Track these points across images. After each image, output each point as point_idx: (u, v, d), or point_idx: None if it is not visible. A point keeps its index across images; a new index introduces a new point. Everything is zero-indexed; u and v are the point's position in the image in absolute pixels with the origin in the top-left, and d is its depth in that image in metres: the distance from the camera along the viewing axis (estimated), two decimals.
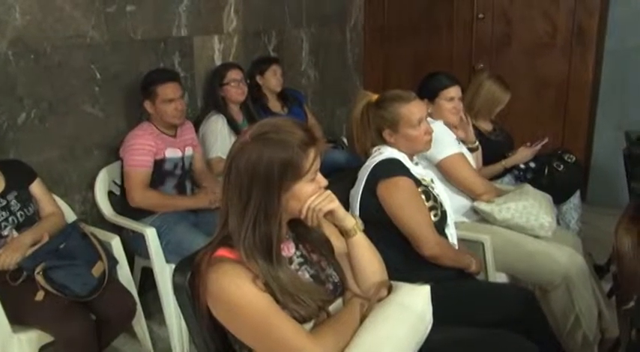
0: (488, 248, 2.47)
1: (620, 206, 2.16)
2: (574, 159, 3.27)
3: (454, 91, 2.79)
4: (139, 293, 2.65)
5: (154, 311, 2.91)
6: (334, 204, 1.52)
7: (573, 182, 3.25)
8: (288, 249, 1.57)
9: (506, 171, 3.22)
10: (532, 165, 3.22)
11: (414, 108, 2.18)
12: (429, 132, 2.23)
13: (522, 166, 3.23)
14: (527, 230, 2.57)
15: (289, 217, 1.52)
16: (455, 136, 2.77)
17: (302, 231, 1.59)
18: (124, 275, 2.56)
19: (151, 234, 2.62)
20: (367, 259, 1.61)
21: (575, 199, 3.26)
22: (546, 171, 3.17)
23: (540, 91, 4.46)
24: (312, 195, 1.48)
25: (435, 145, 2.37)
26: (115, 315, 2.33)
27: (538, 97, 4.47)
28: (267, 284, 1.42)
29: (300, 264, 1.57)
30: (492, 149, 3.15)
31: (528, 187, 2.74)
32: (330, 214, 1.54)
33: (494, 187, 2.76)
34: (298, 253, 1.59)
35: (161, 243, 2.66)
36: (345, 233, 1.60)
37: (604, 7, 4.25)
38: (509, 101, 3.25)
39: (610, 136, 4.24)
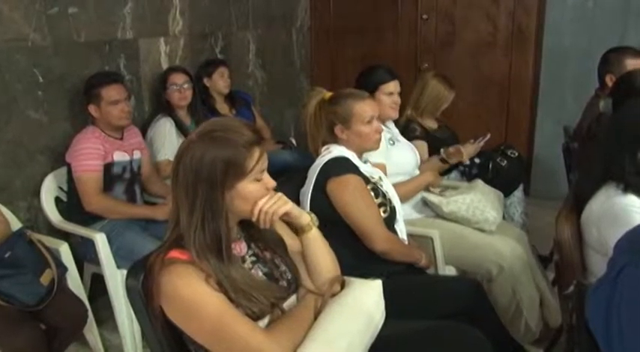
0: (437, 242, 2.55)
1: (562, 198, 2.25)
2: (516, 154, 3.39)
3: (393, 86, 2.80)
4: (90, 300, 2.61)
5: (105, 317, 2.86)
6: (288, 205, 1.54)
7: (516, 176, 3.35)
8: (241, 249, 1.58)
9: (452, 167, 3.30)
10: (477, 160, 3.31)
11: (367, 106, 2.23)
12: (378, 131, 2.28)
13: (467, 162, 3.31)
14: (473, 223, 2.65)
15: (238, 217, 1.53)
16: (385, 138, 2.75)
17: (254, 230, 1.61)
18: (74, 282, 2.52)
19: (100, 240, 2.59)
20: (321, 255, 1.63)
21: (518, 193, 3.37)
22: (490, 166, 3.26)
23: (483, 89, 4.60)
24: (257, 195, 1.48)
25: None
26: (66, 324, 2.29)
27: (481, 95, 4.60)
28: (220, 283, 1.43)
29: (253, 263, 1.58)
30: (437, 146, 3.21)
31: (479, 182, 2.84)
32: (285, 215, 1.56)
33: (410, 195, 2.78)
34: (251, 252, 1.60)
35: (111, 249, 2.62)
36: (300, 230, 1.62)
37: (541, 8, 4.41)
38: (453, 99, 3.33)
39: (550, 131, 4.39)
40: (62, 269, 2.39)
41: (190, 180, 1.43)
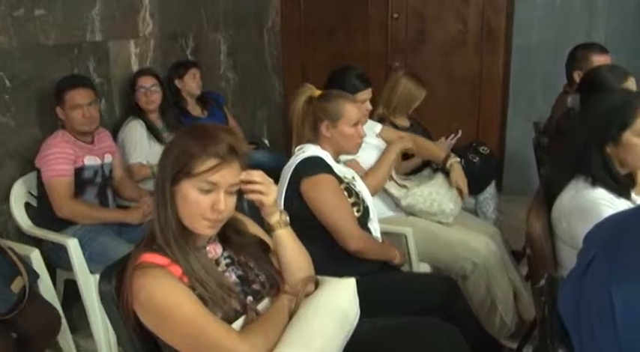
0: (410, 240, 2.57)
1: (534, 193, 2.27)
2: (488, 151, 3.42)
3: (367, 94, 2.78)
4: (63, 307, 2.57)
5: (79, 324, 2.82)
6: (272, 196, 1.57)
7: (488, 173, 3.39)
8: (215, 251, 1.58)
9: (425, 164, 3.32)
10: None
11: (356, 109, 2.26)
12: (361, 136, 2.29)
13: None
14: (431, 215, 2.70)
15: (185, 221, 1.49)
16: None
17: (229, 233, 1.60)
18: (47, 289, 2.48)
19: (73, 245, 2.55)
20: (292, 253, 1.63)
21: (490, 189, 3.41)
22: (462, 163, 3.29)
23: (455, 87, 4.64)
24: (198, 205, 1.44)
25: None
26: (39, 331, 2.26)
27: (453, 93, 4.64)
28: (192, 286, 1.42)
29: (228, 265, 1.58)
30: None
31: (439, 176, 2.87)
32: (260, 205, 1.57)
33: (382, 178, 2.71)
34: (225, 254, 1.60)
35: (84, 254, 2.59)
36: (269, 227, 1.62)
37: (510, 6, 4.47)
38: (425, 97, 3.35)
39: (521, 127, 4.45)
40: (33, 276, 2.35)
41: (159, 163, 1.49)
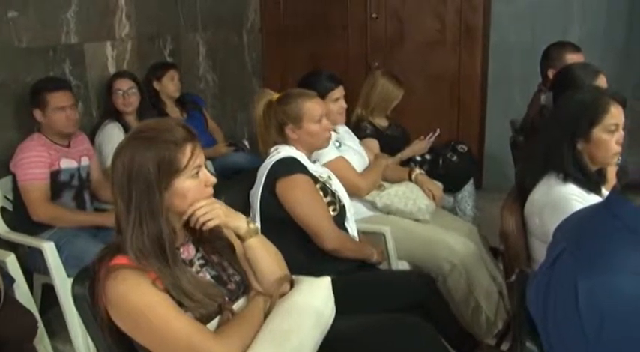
0: (389, 238, 2.58)
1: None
2: (466, 149, 3.46)
3: (339, 92, 2.78)
4: (41, 312, 2.55)
5: (57, 328, 2.79)
6: (218, 220, 1.53)
7: (466, 171, 3.43)
8: (189, 252, 1.58)
9: (404, 163, 3.34)
10: (427, 156, 3.37)
11: (317, 105, 2.26)
12: (328, 129, 2.30)
13: (419, 158, 3.37)
14: (407, 214, 2.72)
15: (180, 218, 1.52)
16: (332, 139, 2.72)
17: (202, 234, 1.60)
18: (23, 293, 2.46)
19: (49, 249, 2.53)
20: (262, 260, 1.62)
21: (469, 187, 3.44)
22: (441, 161, 3.33)
23: (434, 86, 4.67)
24: (196, 192, 1.48)
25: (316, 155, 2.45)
26: (15, 336, 2.22)
27: (432, 92, 4.67)
28: (166, 288, 1.42)
29: (201, 266, 1.58)
30: (388, 144, 3.26)
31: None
32: (223, 227, 1.57)
33: (375, 182, 2.79)
34: (199, 255, 1.60)
35: (61, 257, 2.56)
36: (239, 237, 1.62)
37: (487, 6, 4.50)
38: (405, 96, 3.36)
39: (500, 125, 4.46)
40: (9, 280, 2.33)
41: (125, 183, 1.43)
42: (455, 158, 3.36)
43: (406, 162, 3.37)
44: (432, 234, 2.69)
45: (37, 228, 2.67)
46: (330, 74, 2.83)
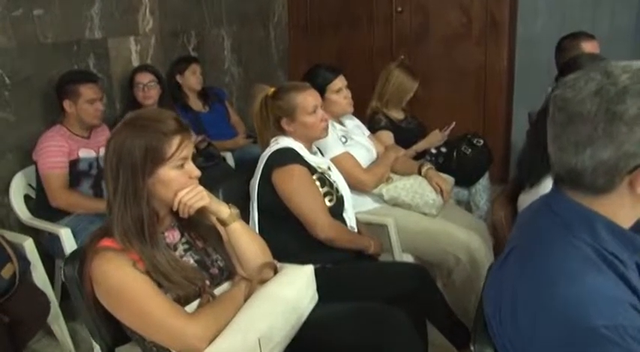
0: (392, 230, 2.59)
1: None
2: (482, 142, 3.41)
3: (339, 82, 2.78)
4: (63, 296, 2.66)
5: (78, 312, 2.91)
6: (204, 201, 1.60)
7: (481, 164, 3.39)
8: (173, 236, 1.65)
9: (419, 155, 3.35)
10: (443, 149, 3.36)
11: (309, 97, 2.29)
12: (325, 119, 2.33)
13: (434, 151, 3.37)
14: (414, 207, 2.69)
15: (162, 204, 1.59)
16: (337, 135, 2.74)
17: (187, 219, 1.66)
18: (40, 276, 2.59)
19: (65, 234, 2.65)
20: (246, 244, 1.68)
21: (483, 181, 3.41)
22: (455, 154, 3.31)
23: (459, 80, 4.62)
24: (179, 182, 1.55)
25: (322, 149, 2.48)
26: (28, 315, 2.35)
27: (457, 86, 4.62)
28: (147, 269, 1.50)
29: (185, 251, 1.65)
30: (403, 136, 3.27)
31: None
32: (203, 209, 1.62)
33: (382, 176, 2.78)
34: (184, 240, 1.67)
35: (77, 243, 2.68)
36: (221, 222, 1.68)
37: None
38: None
39: (525, 120, 4.41)
40: (25, 263, 2.45)
41: (114, 166, 1.52)
42: (470, 151, 3.33)
43: (421, 155, 3.37)
44: (438, 228, 2.67)
45: (56, 215, 2.80)
46: (328, 65, 2.85)
